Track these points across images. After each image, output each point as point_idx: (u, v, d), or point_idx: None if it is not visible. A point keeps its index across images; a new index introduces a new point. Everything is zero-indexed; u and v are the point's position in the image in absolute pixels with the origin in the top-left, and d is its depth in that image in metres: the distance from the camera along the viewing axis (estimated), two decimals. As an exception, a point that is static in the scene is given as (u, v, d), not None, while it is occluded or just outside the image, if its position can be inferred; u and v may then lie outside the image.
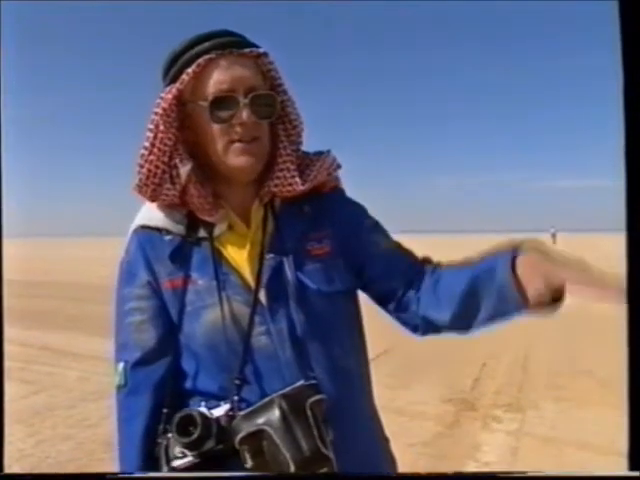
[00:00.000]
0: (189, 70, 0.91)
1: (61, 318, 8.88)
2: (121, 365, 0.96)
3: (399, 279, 1.01)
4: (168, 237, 0.97)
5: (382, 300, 1.05)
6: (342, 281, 0.99)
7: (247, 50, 0.93)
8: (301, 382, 0.86)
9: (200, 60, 0.90)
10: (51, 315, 9.22)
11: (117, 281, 1.02)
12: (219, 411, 0.85)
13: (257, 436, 0.81)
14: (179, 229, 0.97)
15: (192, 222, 0.97)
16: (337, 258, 0.99)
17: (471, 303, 0.90)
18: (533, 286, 0.76)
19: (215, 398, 0.89)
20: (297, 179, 0.96)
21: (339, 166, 1.05)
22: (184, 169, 0.94)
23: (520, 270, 0.80)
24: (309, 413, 0.81)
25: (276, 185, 0.97)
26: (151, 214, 1.00)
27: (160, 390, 0.94)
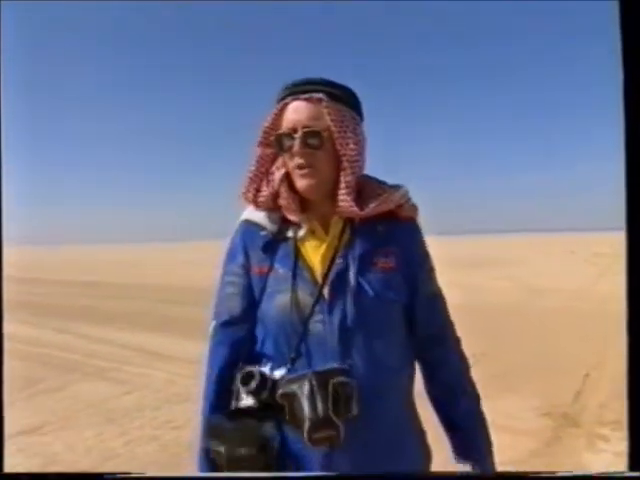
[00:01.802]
0: (272, 112, 1.21)
1: (154, 320, 9.26)
2: (214, 323, 1.27)
3: (425, 334, 1.24)
4: (263, 232, 1.23)
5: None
6: (397, 294, 1.17)
7: (307, 96, 1.16)
8: (333, 365, 1.09)
9: (279, 105, 1.19)
10: (145, 317, 9.67)
11: (224, 258, 1.30)
12: (278, 373, 1.12)
13: (291, 396, 1.07)
14: (272, 227, 1.23)
15: (283, 224, 1.22)
16: (398, 274, 1.18)
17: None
18: None
19: (277, 363, 1.14)
20: (355, 208, 1.16)
21: (409, 200, 1.23)
22: (278, 173, 1.21)
23: None
24: (330, 389, 1.04)
25: (341, 211, 1.18)
26: (254, 213, 1.26)
27: (238, 347, 1.22)
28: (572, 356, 5.43)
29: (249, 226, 1.26)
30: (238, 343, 1.22)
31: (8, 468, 3.31)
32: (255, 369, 1.12)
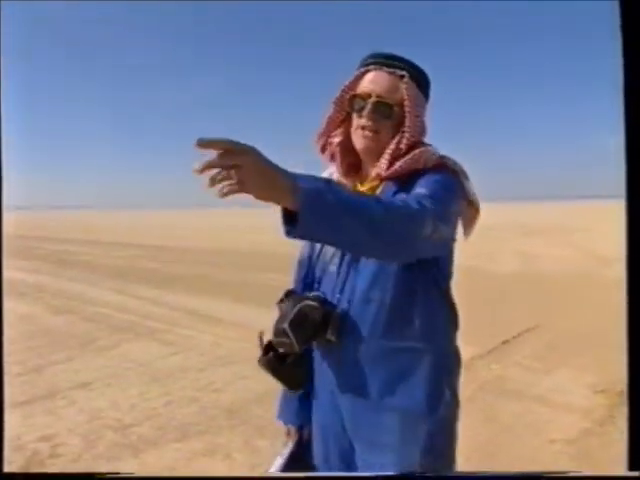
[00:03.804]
0: (354, 74, 1.32)
1: (209, 284, 9.45)
2: None
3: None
4: None
5: None
6: None
7: (391, 70, 1.28)
8: (314, 293, 1.35)
9: (361, 69, 1.32)
10: (200, 280, 9.87)
11: None
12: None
13: (279, 310, 1.34)
14: None
15: (339, 181, 1.34)
16: None
17: None
18: None
19: (309, 291, 1.39)
20: (383, 166, 1.28)
21: (434, 155, 1.29)
22: (334, 139, 1.35)
23: None
24: (296, 309, 1.27)
25: (376, 167, 1.30)
26: (324, 173, 1.41)
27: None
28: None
29: None
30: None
31: (58, 422, 3.45)
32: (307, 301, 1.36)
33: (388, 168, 1.27)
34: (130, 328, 6.03)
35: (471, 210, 1.35)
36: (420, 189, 1.19)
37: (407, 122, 1.27)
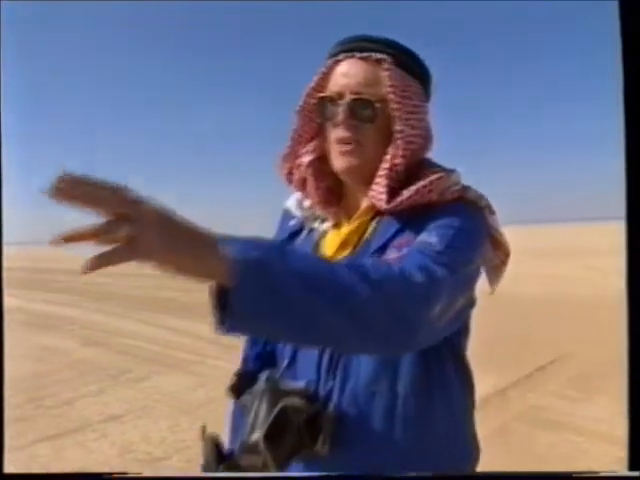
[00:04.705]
0: (319, 71, 0.99)
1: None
2: None
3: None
4: (292, 222, 1.11)
5: None
6: None
7: (366, 54, 0.94)
8: (299, 384, 0.95)
9: (328, 62, 0.98)
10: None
11: None
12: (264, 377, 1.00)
13: (244, 407, 0.97)
14: (302, 216, 1.09)
15: (313, 213, 1.07)
16: None
17: None
18: None
19: (276, 366, 1.07)
20: (383, 196, 0.93)
21: (458, 185, 0.95)
22: (306, 158, 1.01)
23: None
24: (276, 410, 0.88)
25: (371, 197, 0.96)
26: (291, 199, 1.13)
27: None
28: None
29: (285, 213, 1.16)
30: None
31: (89, 455, 3.47)
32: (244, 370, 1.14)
33: (389, 200, 0.93)
34: (159, 359, 6.08)
35: (499, 255, 1.01)
36: (429, 237, 0.87)
37: (397, 123, 0.93)
